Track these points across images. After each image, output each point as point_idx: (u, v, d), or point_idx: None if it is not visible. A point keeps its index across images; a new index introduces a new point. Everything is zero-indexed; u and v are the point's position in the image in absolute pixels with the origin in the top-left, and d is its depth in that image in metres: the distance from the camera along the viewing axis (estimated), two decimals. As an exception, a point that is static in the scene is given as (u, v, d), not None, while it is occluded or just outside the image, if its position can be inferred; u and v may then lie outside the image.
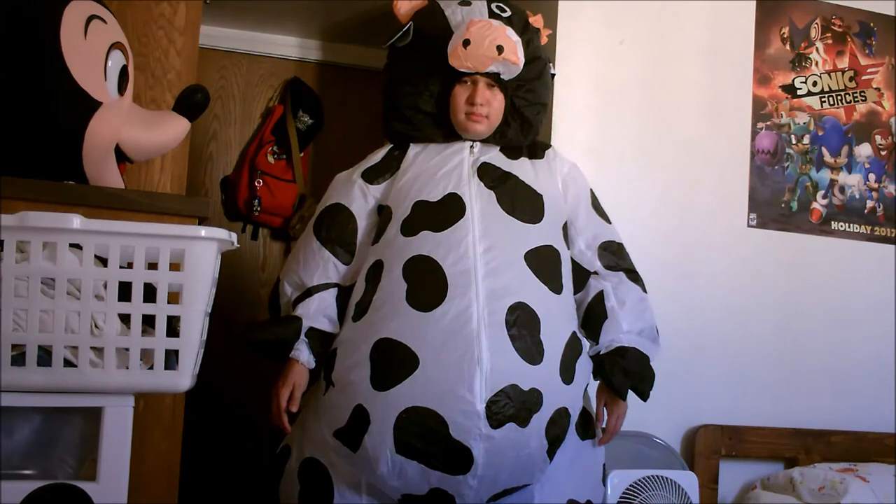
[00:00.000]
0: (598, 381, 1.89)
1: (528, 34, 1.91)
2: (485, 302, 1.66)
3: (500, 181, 1.84)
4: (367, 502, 1.71)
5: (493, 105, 1.85)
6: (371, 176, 1.89)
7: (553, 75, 2.04)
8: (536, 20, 2.01)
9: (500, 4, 1.90)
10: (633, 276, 1.93)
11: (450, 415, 1.60)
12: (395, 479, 1.66)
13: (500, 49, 1.78)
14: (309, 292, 1.82)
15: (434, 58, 1.83)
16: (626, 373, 1.82)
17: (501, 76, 1.84)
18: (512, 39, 1.81)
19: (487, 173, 1.84)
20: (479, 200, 1.79)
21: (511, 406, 1.62)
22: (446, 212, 1.77)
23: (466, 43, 1.78)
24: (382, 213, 1.84)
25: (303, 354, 1.78)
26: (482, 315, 1.65)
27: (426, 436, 1.61)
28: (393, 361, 1.65)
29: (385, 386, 1.64)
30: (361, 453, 1.66)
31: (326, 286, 1.83)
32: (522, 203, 1.82)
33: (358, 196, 1.87)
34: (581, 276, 1.89)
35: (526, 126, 1.91)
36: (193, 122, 1.57)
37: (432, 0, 1.95)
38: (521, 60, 1.82)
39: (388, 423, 1.62)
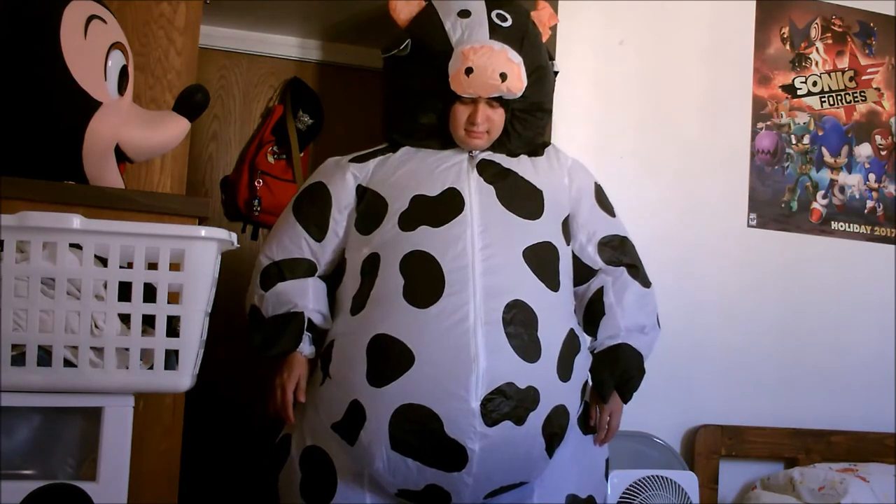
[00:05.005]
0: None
1: (528, 40, 1.86)
2: (482, 299, 1.66)
3: (500, 176, 1.83)
4: (370, 498, 1.71)
5: (493, 121, 1.82)
6: (360, 159, 1.89)
7: (556, 73, 2.02)
8: (542, 13, 1.99)
9: (501, 13, 1.86)
10: (634, 271, 1.91)
11: (445, 412, 1.61)
12: (390, 474, 1.66)
13: (503, 77, 1.76)
14: (278, 267, 1.83)
15: (434, 71, 1.80)
16: (612, 374, 1.82)
17: (503, 97, 1.81)
18: (514, 63, 1.78)
19: (487, 169, 1.84)
20: (479, 196, 1.78)
21: (507, 404, 1.62)
22: (445, 207, 1.76)
23: (469, 71, 1.75)
24: (366, 194, 1.83)
25: (306, 347, 1.80)
26: (479, 313, 1.65)
27: (421, 433, 1.62)
28: (389, 358, 1.65)
29: (381, 382, 1.64)
30: (358, 448, 1.67)
31: (298, 263, 1.83)
32: (522, 199, 1.82)
33: (346, 178, 1.86)
34: (582, 271, 1.89)
35: (527, 135, 1.89)
36: (193, 122, 1.57)
37: (430, 6, 1.90)
38: (525, 83, 1.80)
39: (384, 420, 1.63)
